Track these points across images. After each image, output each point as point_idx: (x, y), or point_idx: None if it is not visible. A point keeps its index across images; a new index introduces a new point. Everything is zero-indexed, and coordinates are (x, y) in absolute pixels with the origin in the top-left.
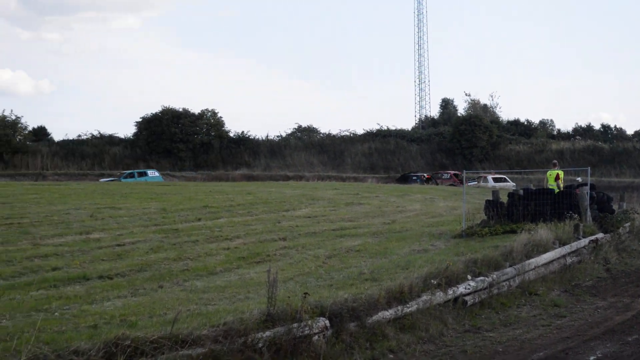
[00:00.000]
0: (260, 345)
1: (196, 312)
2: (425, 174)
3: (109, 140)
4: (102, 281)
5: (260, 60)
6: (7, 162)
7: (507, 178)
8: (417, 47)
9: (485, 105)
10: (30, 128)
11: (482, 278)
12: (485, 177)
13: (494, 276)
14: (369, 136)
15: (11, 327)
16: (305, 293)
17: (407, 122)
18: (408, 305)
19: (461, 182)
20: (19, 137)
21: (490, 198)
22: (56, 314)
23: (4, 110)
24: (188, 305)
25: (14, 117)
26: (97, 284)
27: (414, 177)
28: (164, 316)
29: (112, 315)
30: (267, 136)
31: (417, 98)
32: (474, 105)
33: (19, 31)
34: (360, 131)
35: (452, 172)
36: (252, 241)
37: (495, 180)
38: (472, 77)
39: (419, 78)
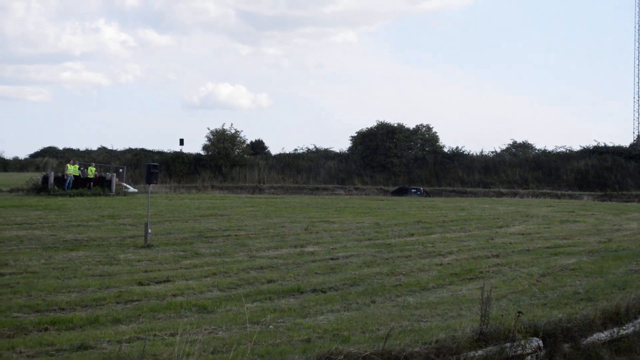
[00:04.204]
0: None
1: (408, 328)
2: (422, 188)
3: (325, 154)
4: (315, 294)
5: (475, 74)
6: (226, 175)
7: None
8: (636, 62)
9: None
10: (248, 141)
11: None
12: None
13: None
14: (585, 152)
15: (227, 338)
16: (519, 312)
17: (624, 138)
18: (624, 327)
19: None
20: (237, 150)
21: None
22: (270, 326)
23: (223, 124)
24: (400, 321)
25: (233, 131)
26: (310, 297)
27: (413, 190)
28: (376, 332)
29: (325, 330)
30: (482, 152)
31: (636, 114)
32: None
33: (239, 46)
34: (576, 147)
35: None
36: (464, 257)
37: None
38: None
39: (638, 94)
